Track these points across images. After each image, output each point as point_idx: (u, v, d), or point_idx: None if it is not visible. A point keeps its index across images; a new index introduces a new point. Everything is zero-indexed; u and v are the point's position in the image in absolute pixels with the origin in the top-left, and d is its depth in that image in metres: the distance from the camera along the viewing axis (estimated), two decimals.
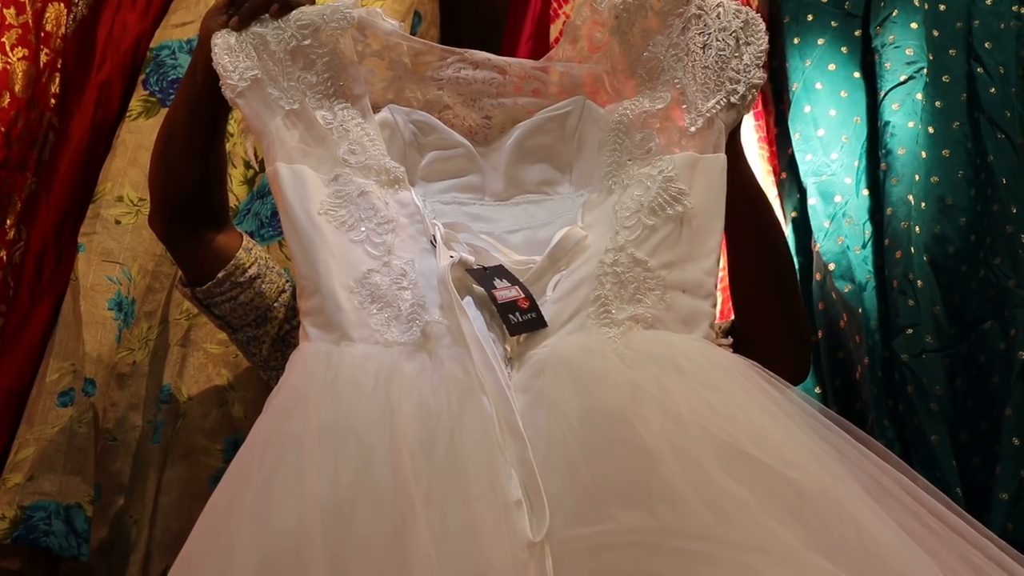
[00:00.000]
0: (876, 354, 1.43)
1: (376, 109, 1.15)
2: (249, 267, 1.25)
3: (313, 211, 1.05)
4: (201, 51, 1.15)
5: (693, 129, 1.06)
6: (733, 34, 1.07)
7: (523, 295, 1.00)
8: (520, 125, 1.15)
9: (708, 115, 1.06)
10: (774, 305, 1.18)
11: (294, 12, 1.11)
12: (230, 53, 1.10)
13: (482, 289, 1.01)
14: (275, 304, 1.27)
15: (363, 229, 1.06)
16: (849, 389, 1.46)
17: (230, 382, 1.43)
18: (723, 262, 1.33)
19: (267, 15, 1.12)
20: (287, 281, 1.31)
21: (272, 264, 1.31)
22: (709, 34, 1.08)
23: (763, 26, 1.11)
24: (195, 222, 1.23)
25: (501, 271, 1.03)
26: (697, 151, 1.06)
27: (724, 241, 1.15)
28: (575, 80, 1.16)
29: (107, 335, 1.42)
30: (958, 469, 1.36)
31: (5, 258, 1.47)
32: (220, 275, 1.22)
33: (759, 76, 1.07)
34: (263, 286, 1.26)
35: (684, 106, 1.07)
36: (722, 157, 1.06)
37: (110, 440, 1.42)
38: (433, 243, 1.05)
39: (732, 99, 1.06)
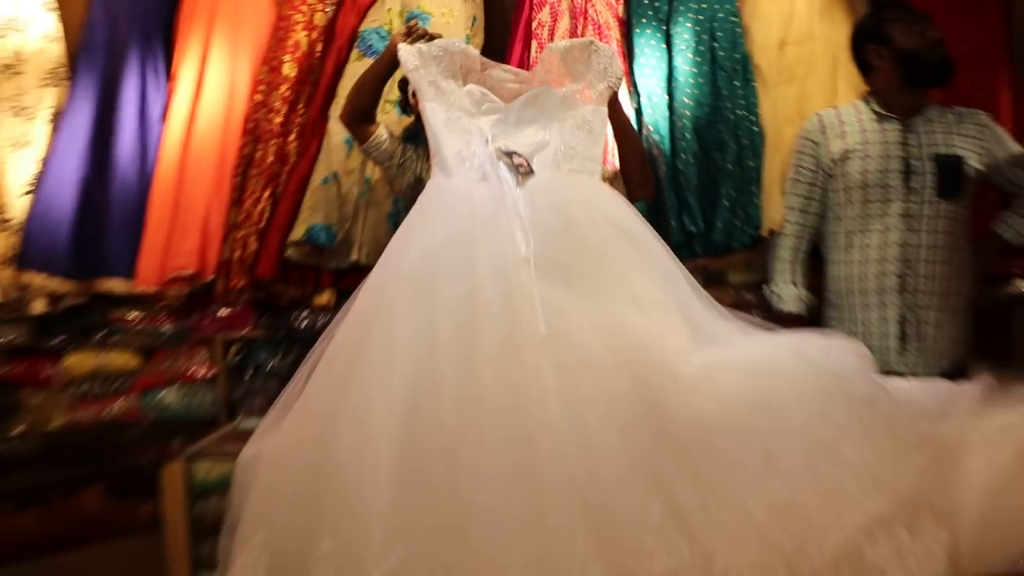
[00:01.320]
0: (668, 165, 2.50)
1: (464, 84, 1.79)
2: (384, 135, 2.11)
3: (440, 123, 1.69)
4: (387, 51, 1.94)
5: (594, 96, 1.76)
6: (609, 57, 1.80)
7: (525, 161, 1.63)
8: (522, 96, 1.76)
9: (600, 90, 1.76)
10: (637, 167, 2.00)
11: (436, 41, 1.81)
12: (407, 55, 1.76)
13: (508, 158, 1.62)
14: (395, 150, 2.16)
15: (459, 132, 1.68)
16: (657, 181, 2.45)
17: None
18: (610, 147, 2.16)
19: (424, 40, 1.82)
20: (400, 140, 2.16)
21: (394, 133, 2.15)
22: (600, 57, 1.79)
23: (619, 58, 1.80)
24: (362, 120, 2.11)
25: (516, 152, 1.64)
26: (595, 104, 1.76)
27: (609, 141, 1.94)
28: (544, 78, 1.84)
29: (341, 162, 2.58)
30: (701, 215, 2.49)
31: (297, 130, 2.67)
32: (370, 139, 2.12)
33: (620, 73, 1.78)
34: (389, 142, 2.14)
35: (590, 87, 1.77)
36: (605, 108, 1.77)
37: (344, 199, 2.53)
38: (487, 140, 1.67)
39: (610, 84, 1.79)
